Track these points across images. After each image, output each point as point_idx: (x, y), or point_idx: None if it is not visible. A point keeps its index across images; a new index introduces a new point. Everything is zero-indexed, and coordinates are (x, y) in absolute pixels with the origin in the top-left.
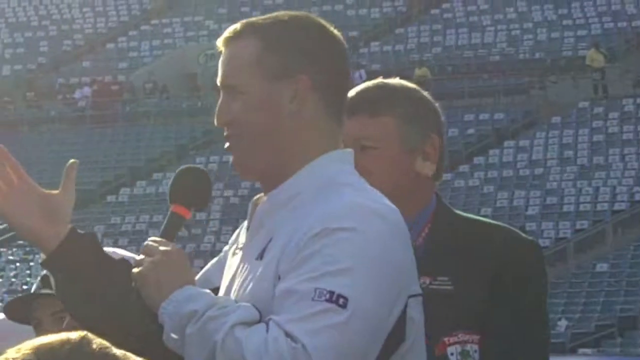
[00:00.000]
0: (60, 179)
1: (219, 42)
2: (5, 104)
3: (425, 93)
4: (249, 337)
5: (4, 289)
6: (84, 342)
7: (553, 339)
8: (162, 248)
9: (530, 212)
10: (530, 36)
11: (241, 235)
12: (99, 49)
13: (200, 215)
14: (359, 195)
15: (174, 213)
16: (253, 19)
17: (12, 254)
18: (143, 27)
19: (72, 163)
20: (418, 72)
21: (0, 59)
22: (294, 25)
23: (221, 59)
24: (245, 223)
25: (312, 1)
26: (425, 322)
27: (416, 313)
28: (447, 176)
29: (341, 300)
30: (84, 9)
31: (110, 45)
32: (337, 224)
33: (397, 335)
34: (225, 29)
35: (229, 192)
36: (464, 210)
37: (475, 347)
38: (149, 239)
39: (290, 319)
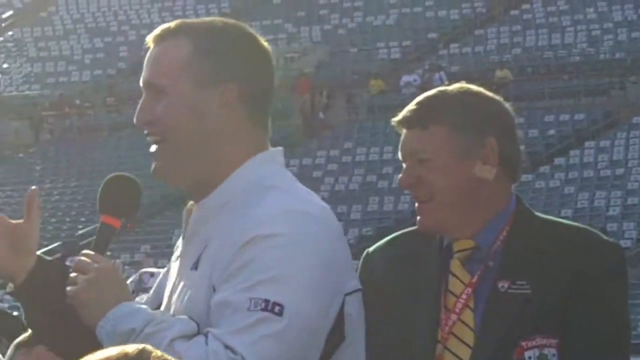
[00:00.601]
0: (140, 183)
1: (149, 39)
2: (85, 110)
3: (485, 95)
4: (188, 350)
5: None
6: (143, 354)
7: (634, 340)
8: (95, 265)
9: (611, 212)
10: (611, 36)
11: (179, 244)
12: None
13: None
14: (286, 198)
15: (104, 224)
16: (189, 20)
17: None
18: None
19: (33, 191)
20: (499, 73)
21: (80, 64)
22: (227, 33)
23: (148, 55)
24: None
25: (390, 4)
26: (503, 326)
27: (354, 309)
28: (527, 177)
29: (277, 308)
30: (163, 14)
31: None
32: (267, 230)
33: (336, 335)
34: (304, 32)
35: None
36: (545, 212)
37: (554, 350)
38: (81, 252)
39: (228, 331)
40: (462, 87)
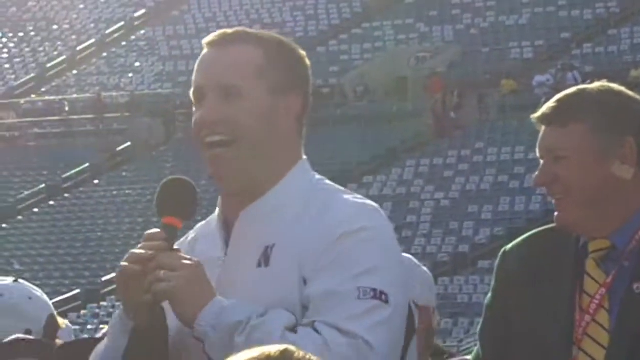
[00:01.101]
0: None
1: (207, 41)
2: None
3: (626, 95)
4: (302, 340)
5: None
6: (285, 355)
7: None
8: (186, 262)
9: None
10: None
11: (212, 248)
12: (310, 53)
13: (411, 218)
14: (350, 197)
15: (165, 225)
16: (247, 29)
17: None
18: (354, 31)
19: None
20: (634, 73)
21: None
22: (290, 46)
23: (209, 58)
24: (192, 236)
25: (523, 3)
26: (639, 327)
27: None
28: None
29: (384, 297)
30: (295, 13)
31: (321, 49)
32: (354, 226)
33: (409, 327)
34: (436, 31)
35: (439, 195)
36: None
37: None
38: (163, 254)
39: (342, 318)
40: (603, 86)
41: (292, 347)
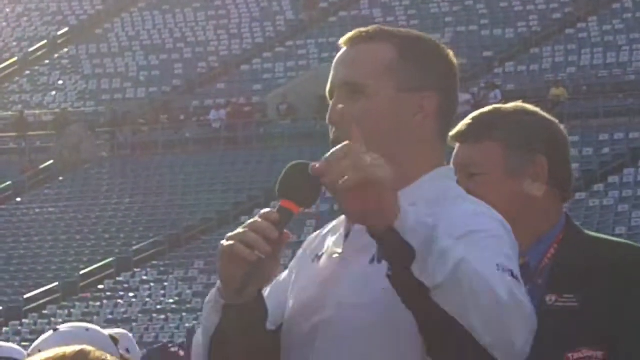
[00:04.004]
0: (194, 201)
1: (343, 40)
2: (141, 126)
3: (540, 115)
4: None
5: (138, 309)
6: (79, 356)
7: None
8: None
9: None
10: None
11: (328, 241)
12: (233, 71)
13: None
14: (481, 204)
15: (283, 208)
16: (385, 27)
17: (146, 274)
18: (278, 49)
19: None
20: (555, 91)
21: (135, 81)
22: (428, 43)
23: (342, 57)
24: (327, 229)
25: (446, 22)
26: (549, 338)
27: None
28: (581, 195)
29: (518, 278)
30: (219, 31)
31: (245, 67)
32: (479, 227)
33: None
34: None
35: None
36: (599, 230)
37: None
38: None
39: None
40: (517, 106)
41: (88, 348)
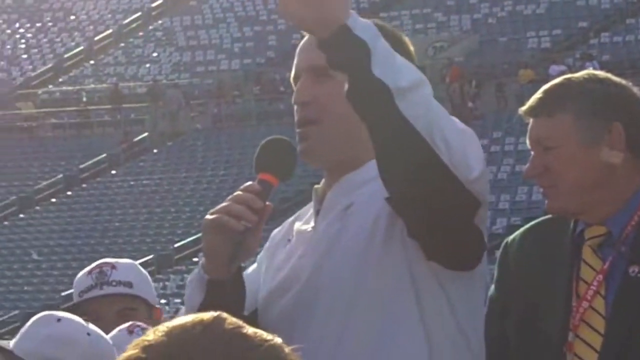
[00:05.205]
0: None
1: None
2: (235, 98)
3: (612, 81)
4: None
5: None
6: (216, 321)
7: None
8: None
9: None
10: None
11: (296, 225)
12: None
13: None
14: None
15: (262, 180)
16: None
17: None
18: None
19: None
20: None
21: (229, 52)
22: (384, 28)
23: (305, 43)
24: (293, 218)
25: None
26: (634, 312)
27: None
28: None
29: None
30: None
31: None
32: None
33: None
34: (454, 21)
35: None
36: None
37: None
38: None
39: None
40: (587, 74)
41: (224, 314)
